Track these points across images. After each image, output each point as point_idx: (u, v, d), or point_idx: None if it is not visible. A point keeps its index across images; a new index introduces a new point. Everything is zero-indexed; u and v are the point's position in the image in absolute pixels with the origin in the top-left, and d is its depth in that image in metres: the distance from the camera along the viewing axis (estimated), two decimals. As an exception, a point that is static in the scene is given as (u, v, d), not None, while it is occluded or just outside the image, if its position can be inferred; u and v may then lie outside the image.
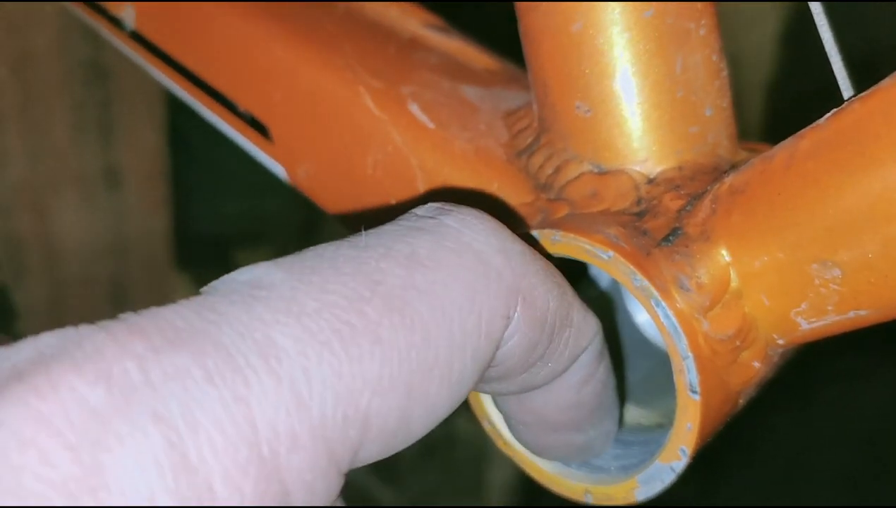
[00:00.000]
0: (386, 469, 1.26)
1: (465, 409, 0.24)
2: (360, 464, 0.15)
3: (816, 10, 0.20)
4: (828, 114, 0.19)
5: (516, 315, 0.17)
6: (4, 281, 1.01)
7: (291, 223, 1.36)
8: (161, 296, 1.16)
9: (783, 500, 1.09)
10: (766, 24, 1.08)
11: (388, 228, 0.17)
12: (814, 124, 0.19)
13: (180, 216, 1.22)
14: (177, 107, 1.17)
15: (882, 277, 0.18)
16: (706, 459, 0.22)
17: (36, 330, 0.15)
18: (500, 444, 0.25)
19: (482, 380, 0.18)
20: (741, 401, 0.23)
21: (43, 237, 1.09)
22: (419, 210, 0.18)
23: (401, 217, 0.18)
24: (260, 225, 1.39)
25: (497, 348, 0.17)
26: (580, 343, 0.19)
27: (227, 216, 1.37)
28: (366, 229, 0.17)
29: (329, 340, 0.14)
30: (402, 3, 0.33)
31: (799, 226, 0.19)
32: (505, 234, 0.17)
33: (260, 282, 0.15)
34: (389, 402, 0.15)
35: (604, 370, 0.21)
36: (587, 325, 0.19)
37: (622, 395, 0.26)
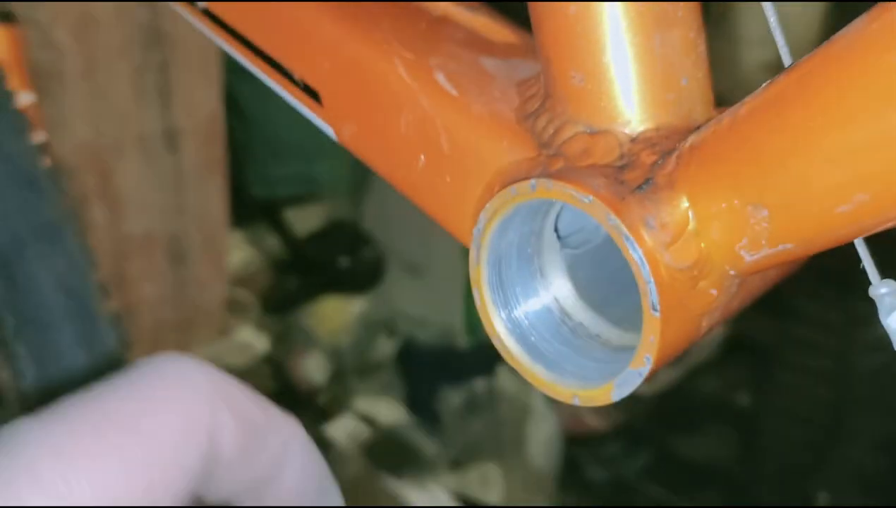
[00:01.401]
0: (430, 422, 1.32)
1: (507, 366, 0.30)
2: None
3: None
4: (763, 85, 0.23)
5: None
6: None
7: (339, 184, 1.43)
8: (216, 252, 1.22)
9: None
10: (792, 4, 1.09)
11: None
12: (752, 93, 0.24)
13: (235, 177, 1.29)
14: (232, 73, 1.22)
15: (796, 215, 0.22)
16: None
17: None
18: (506, 357, 0.30)
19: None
20: (704, 324, 0.28)
21: (106, 196, 1.17)
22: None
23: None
24: (309, 186, 1.45)
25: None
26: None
27: (279, 177, 1.44)
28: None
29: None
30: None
31: (736, 175, 0.24)
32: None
33: None
34: None
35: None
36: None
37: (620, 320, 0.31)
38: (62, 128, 1.13)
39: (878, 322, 0.24)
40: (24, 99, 0.79)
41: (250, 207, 1.41)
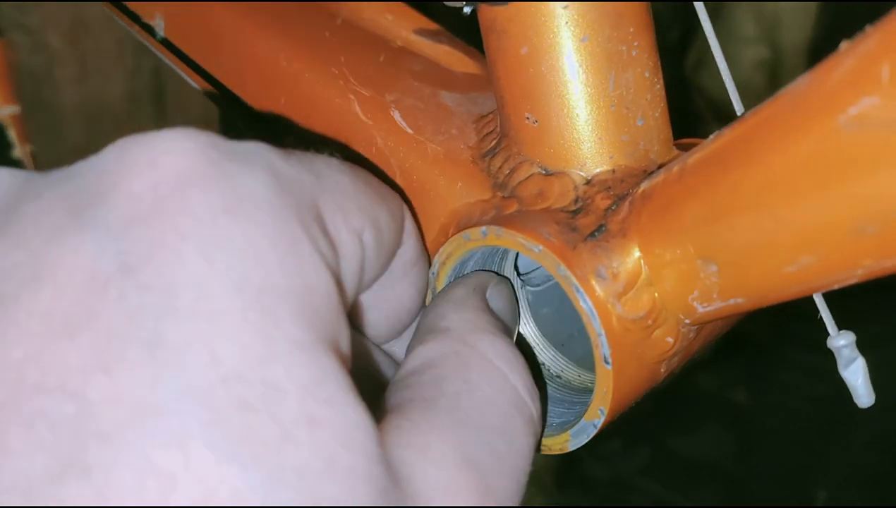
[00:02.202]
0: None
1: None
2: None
3: (710, 34, 0.24)
4: (712, 136, 0.23)
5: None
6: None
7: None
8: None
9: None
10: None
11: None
12: (703, 142, 0.23)
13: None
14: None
15: (745, 273, 0.22)
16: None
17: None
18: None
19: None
20: (663, 370, 0.27)
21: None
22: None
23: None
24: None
25: None
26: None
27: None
28: None
29: None
30: (398, 5, 0.36)
31: (685, 228, 0.23)
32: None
33: None
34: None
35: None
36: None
37: (578, 362, 0.31)
38: (55, 132, 1.13)
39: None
40: (7, 111, 0.78)
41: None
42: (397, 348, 0.28)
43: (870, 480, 1.18)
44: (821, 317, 0.26)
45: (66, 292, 0.17)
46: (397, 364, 0.27)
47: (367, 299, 0.25)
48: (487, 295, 0.26)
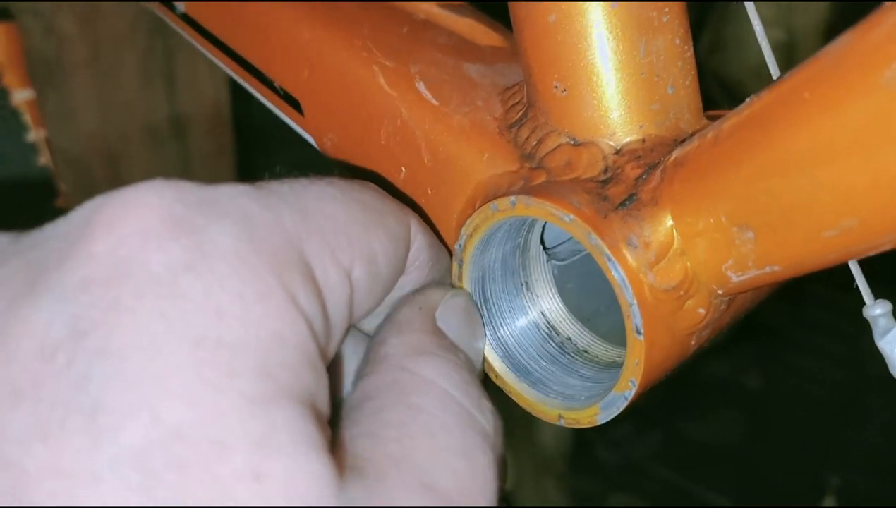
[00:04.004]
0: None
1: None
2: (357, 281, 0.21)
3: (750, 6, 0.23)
4: (747, 100, 0.22)
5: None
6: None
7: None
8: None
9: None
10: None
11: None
12: (737, 108, 0.23)
13: (243, 163, 1.28)
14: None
15: (783, 239, 0.21)
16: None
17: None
18: (491, 376, 0.29)
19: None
20: (693, 342, 0.27)
21: (114, 184, 1.17)
22: None
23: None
24: (316, 171, 1.44)
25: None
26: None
27: (287, 163, 1.43)
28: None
29: None
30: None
31: (721, 195, 0.22)
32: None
33: None
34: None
35: None
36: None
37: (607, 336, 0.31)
38: (68, 117, 1.13)
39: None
40: (22, 96, 0.79)
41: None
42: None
43: (884, 465, 1.18)
44: (850, 291, 0.25)
45: (15, 362, 0.17)
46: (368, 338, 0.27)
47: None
48: (437, 313, 0.25)
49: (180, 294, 0.17)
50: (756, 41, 0.27)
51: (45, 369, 0.17)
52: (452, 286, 0.28)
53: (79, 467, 0.16)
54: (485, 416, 0.22)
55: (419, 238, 0.25)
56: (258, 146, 1.39)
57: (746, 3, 0.23)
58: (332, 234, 0.21)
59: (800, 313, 1.20)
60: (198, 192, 0.19)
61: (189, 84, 1.20)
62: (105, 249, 0.18)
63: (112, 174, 1.17)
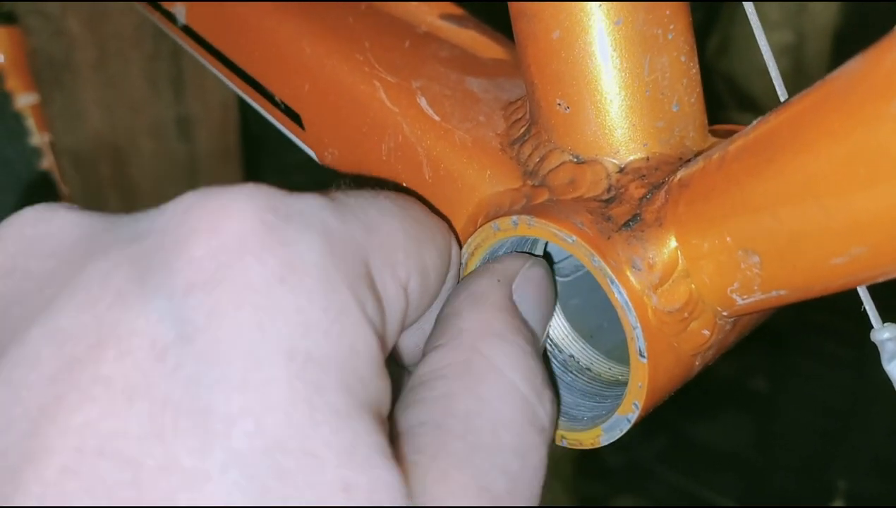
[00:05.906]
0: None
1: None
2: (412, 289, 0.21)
3: (752, 16, 0.23)
4: (754, 122, 0.22)
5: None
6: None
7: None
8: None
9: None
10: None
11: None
12: (744, 130, 0.22)
13: (249, 165, 1.28)
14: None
15: (790, 264, 0.21)
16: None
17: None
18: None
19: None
20: (697, 363, 0.27)
21: (120, 185, 1.17)
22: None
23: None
24: (323, 174, 1.44)
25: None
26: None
27: (294, 165, 1.43)
28: None
29: None
30: (422, -9, 0.36)
31: (726, 218, 0.22)
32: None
33: None
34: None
35: None
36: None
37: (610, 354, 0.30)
38: (75, 118, 1.13)
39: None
40: (25, 100, 0.78)
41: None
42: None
43: (890, 470, 1.17)
44: (861, 309, 0.25)
45: (127, 359, 0.18)
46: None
47: None
48: (514, 285, 0.26)
49: (275, 306, 0.18)
50: (767, 42, 0.26)
51: (156, 368, 0.17)
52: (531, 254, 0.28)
53: (195, 468, 0.17)
54: (544, 408, 0.23)
55: (455, 250, 0.26)
56: (264, 148, 1.39)
57: (745, 4, 0.23)
58: (392, 249, 0.22)
59: (807, 317, 1.20)
60: (286, 201, 0.20)
61: (196, 85, 1.20)
62: (206, 254, 0.18)
63: (119, 174, 1.17)
